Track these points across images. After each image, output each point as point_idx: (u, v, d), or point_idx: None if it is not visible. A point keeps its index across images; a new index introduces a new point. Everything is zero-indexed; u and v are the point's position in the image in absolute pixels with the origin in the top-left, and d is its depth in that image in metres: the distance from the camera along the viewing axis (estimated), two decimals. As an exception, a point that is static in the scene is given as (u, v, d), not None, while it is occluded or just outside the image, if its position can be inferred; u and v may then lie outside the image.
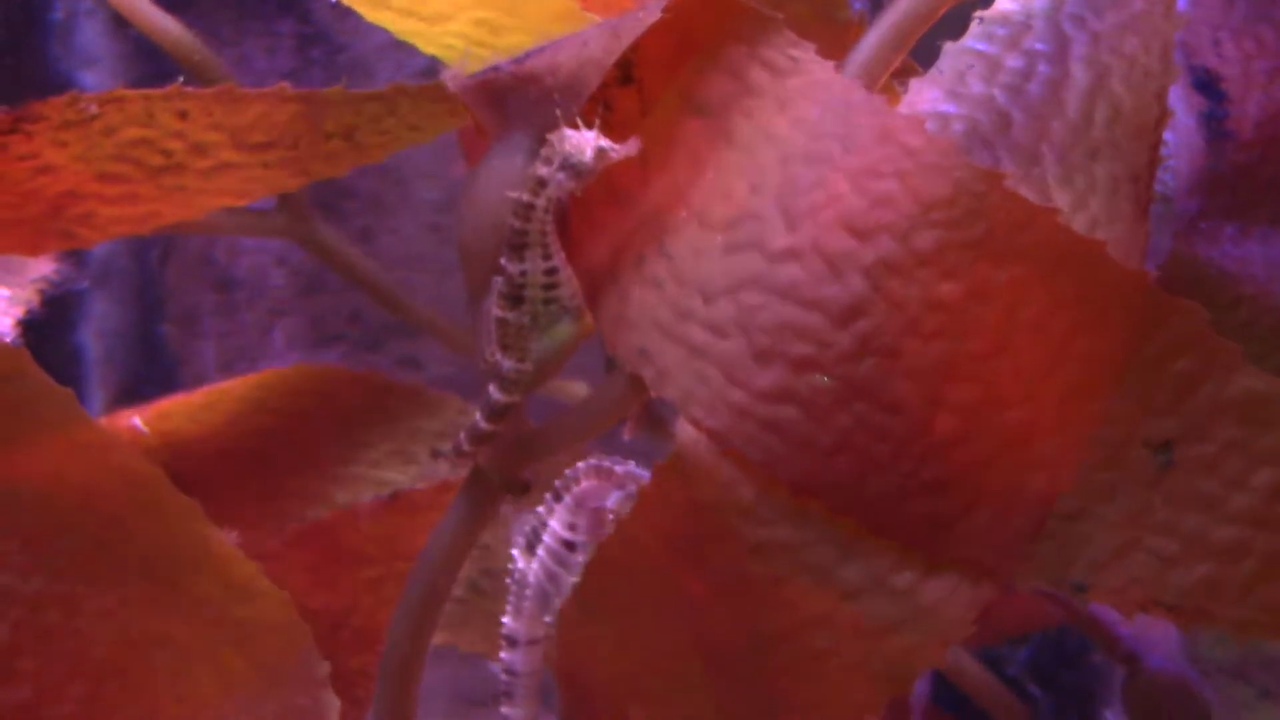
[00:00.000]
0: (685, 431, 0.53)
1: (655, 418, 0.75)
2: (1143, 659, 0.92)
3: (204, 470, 0.85)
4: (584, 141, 0.52)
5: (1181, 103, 0.84)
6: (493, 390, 0.54)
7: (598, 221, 0.55)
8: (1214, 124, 0.81)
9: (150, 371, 1.30)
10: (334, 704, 0.66)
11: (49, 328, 1.29)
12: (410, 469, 0.87)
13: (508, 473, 0.57)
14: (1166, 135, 0.82)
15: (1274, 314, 0.78)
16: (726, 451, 0.53)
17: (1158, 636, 0.94)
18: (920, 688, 0.99)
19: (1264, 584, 0.52)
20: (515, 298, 0.53)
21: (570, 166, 0.52)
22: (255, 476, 0.86)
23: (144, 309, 1.32)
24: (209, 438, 0.86)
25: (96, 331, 1.32)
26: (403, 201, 1.27)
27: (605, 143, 0.52)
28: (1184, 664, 0.93)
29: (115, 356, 1.31)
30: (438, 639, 0.87)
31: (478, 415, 0.55)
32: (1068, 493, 0.52)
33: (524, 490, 0.57)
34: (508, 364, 0.54)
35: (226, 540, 0.68)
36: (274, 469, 0.86)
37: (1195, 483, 0.52)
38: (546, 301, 0.53)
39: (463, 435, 0.56)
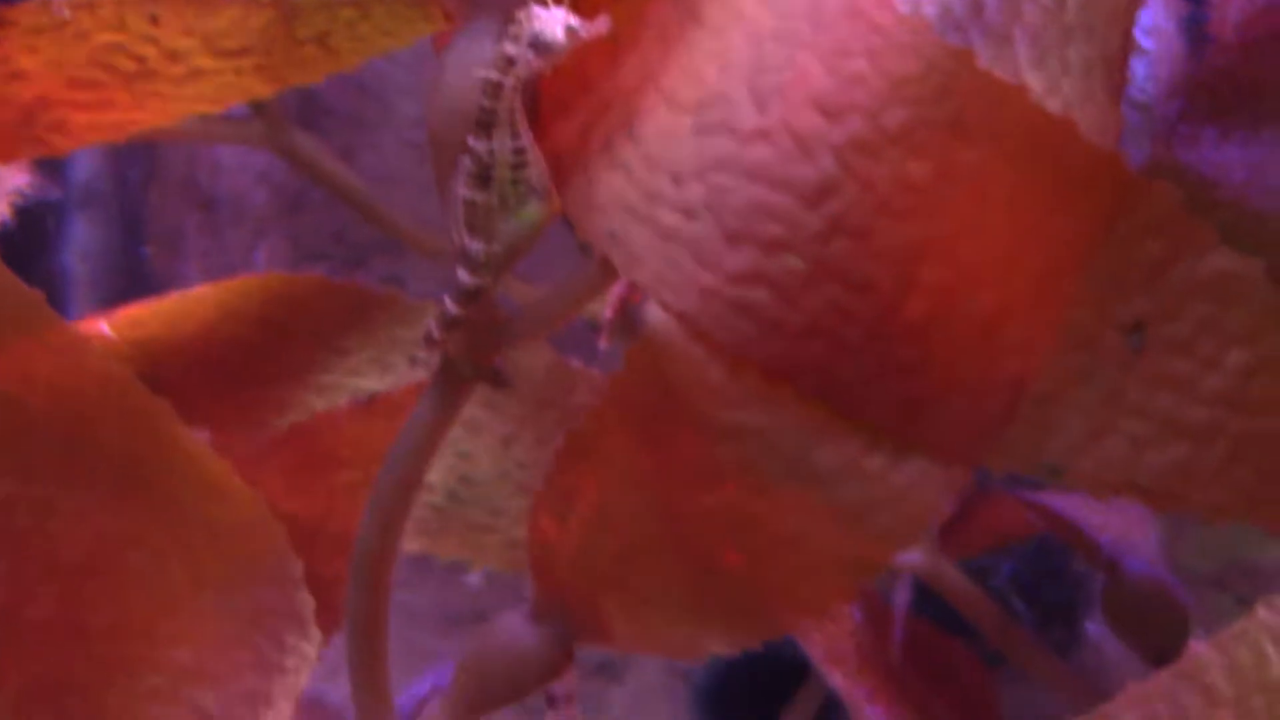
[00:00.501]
0: (655, 315, 0.53)
1: (631, 324, 0.74)
2: (1122, 565, 0.92)
3: (178, 378, 0.85)
4: (553, 20, 0.51)
5: (1163, 8, 0.84)
6: (461, 273, 0.54)
7: (565, 104, 0.55)
8: (1195, 28, 0.80)
9: (134, 292, 1.29)
10: (308, 602, 0.66)
11: (30, 249, 1.28)
12: (388, 377, 0.87)
13: (479, 361, 0.56)
14: (1147, 43, 0.81)
15: (1253, 218, 0.78)
16: (697, 335, 0.52)
17: (1137, 543, 0.94)
18: (901, 597, 0.99)
19: (1237, 465, 0.52)
20: (483, 178, 0.52)
21: (539, 44, 0.51)
22: (230, 385, 0.86)
23: (126, 230, 1.32)
24: (183, 345, 0.85)
25: (79, 253, 1.31)
26: (383, 118, 1.26)
27: (575, 21, 0.51)
28: (1163, 570, 0.93)
29: (98, 278, 1.31)
30: (415, 546, 0.87)
31: (446, 300, 0.54)
32: (1040, 376, 0.52)
33: (496, 378, 0.57)
34: (475, 246, 0.53)
35: (198, 440, 0.68)
36: (250, 377, 0.86)
37: (1168, 364, 0.52)
38: (514, 182, 0.53)
39: (432, 322, 0.55)
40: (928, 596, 1.00)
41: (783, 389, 0.52)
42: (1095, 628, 1.21)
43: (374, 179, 1.23)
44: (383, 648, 0.60)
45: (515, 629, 0.57)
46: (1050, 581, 1.27)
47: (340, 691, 1.38)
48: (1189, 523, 1.15)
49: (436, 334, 0.55)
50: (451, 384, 0.58)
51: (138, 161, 1.31)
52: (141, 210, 1.32)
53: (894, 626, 0.98)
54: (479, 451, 0.84)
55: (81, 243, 1.31)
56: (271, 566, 0.66)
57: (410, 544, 0.86)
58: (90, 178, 1.31)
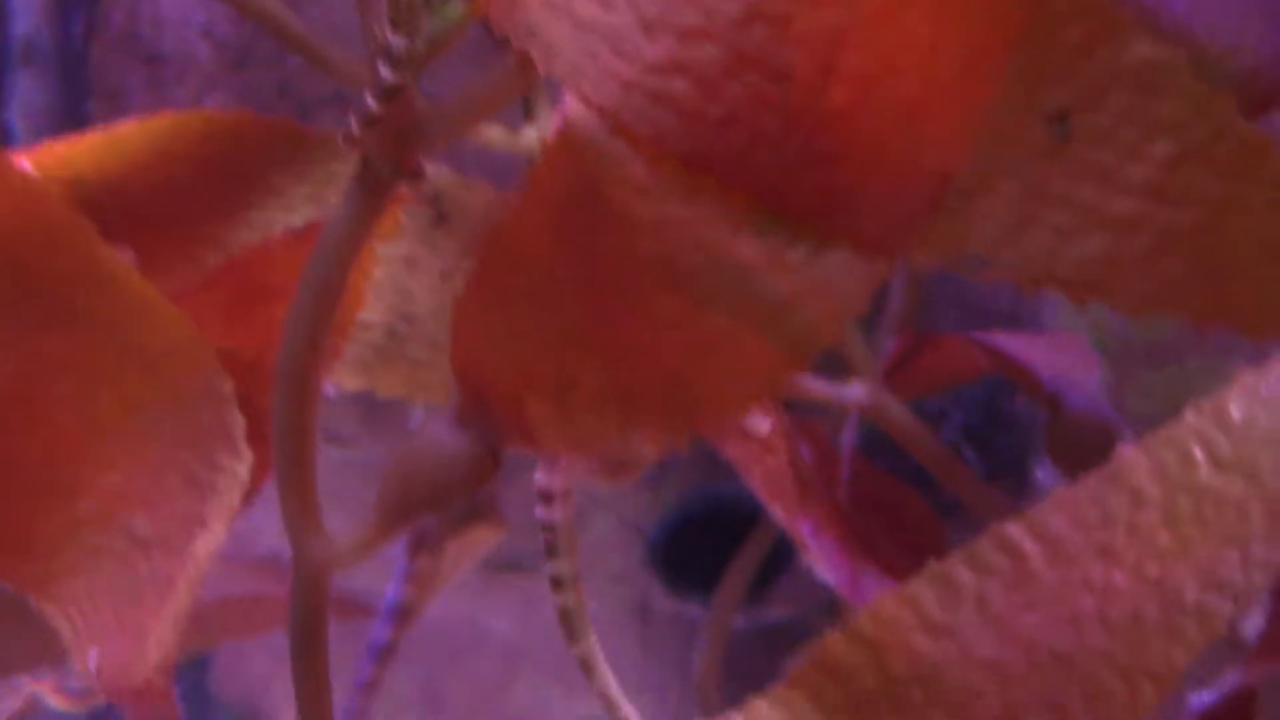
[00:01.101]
0: (574, 109, 0.52)
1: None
2: (1065, 402, 0.92)
3: (108, 217, 0.83)
4: None
5: None
6: (382, 69, 0.53)
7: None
8: None
9: (77, 151, 1.28)
10: (239, 422, 0.66)
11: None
12: (325, 214, 0.86)
13: (398, 161, 0.55)
14: None
15: (1193, 50, 0.77)
16: (616, 128, 0.52)
17: (1080, 381, 0.95)
18: (848, 437, 0.99)
19: (1161, 257, 0.52)
20: None
21: None
22: (163, 224, 0.85)
23: (70, 86, 1.30)
24: (113, 184, 0.84)
25: (22, 111, 1.30)
26: (326, -31, 1.24)
27: None
28: (1106, 408, 0.93)
29: (43, 134, 1.29)
30: (355, 384, 0.86)
31: (366, 97, 0.53)
32: (964, 166, 0.51)
33: (416, 177, 0.56)
34: (397, 42, 0.52)
35: (122, 260, 0.67)
36: (182, 216, 0.85)
37: (1091, 154, 0.51)
38: None
39: (352, 119, 0.54)
40: (880, 450, 1.00)
41: (704, 181, 0.52)
42: (1045, 475, 1.22)
43: (321, 32, 1.22)
44: (310, 460, 0.60)
45: (439, 433, 0.56)
46: (1001, 432, 1.27)
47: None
48: (1135, 366, 1.15)
49: (356, 131, 0.54)
50: (370, 185, 0.57)
51: (79, 17, 1.29)
52: (84, 66, 1.30)
53: (840, 467, 0.98)
54: (417, 288, 0.84)
55: (23, 100, 1.29)
56: (200, 386, 0.65)
57: (350, 382, 0.86)
58: (31, 33, 1.28)
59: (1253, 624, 0.74)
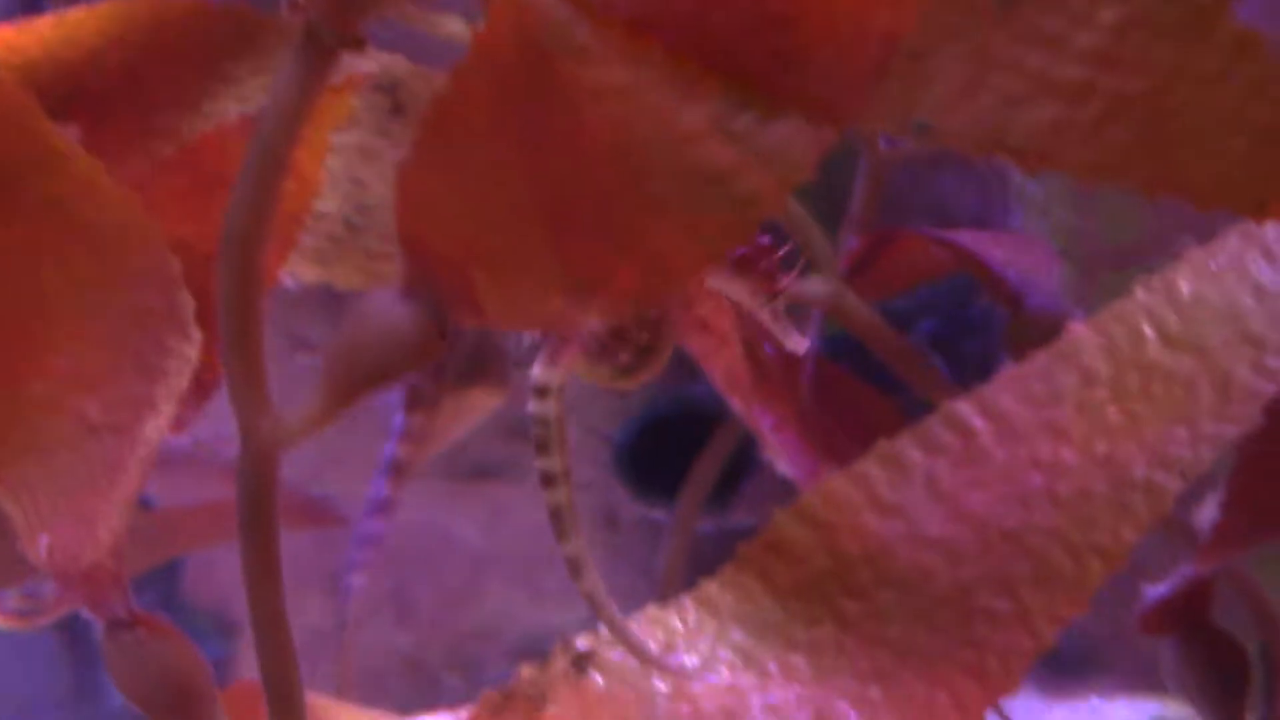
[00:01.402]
0: (518, -29, 0.51)
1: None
2: (1026, 300, 0.92)
3: (63, 105, 0.82)
4: None
5: None
6: None
7: None
8: None
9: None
10: (188, 303, 0.65)
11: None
12: (281, 103, 0.85)
13: (341, 26, 0.55)
14: None
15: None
16: (561, -10, 0.51)
17: (1041, 280, 0.95)
18: (811, 336, 0.99)
19: (1109, 125, 0.51)
20: None
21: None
22: (115, 113, 0.84)
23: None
24: (67, 71, 0.82)
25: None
26: None
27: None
28: (1067, 306, 0.93)
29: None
30: (312, 276, 0.86)
31: (305, -40, 0.53)
32: (913, 30, 0.51)
33: (359, 46, 0.55)
34: None
35: (67, 138, 0.66)
36: (135, 105, 0.83)
37: (1040, 20, 0.51)
38: None
39: None
40: (846, 354, 1.00)
41: (650, 44, 0.51)
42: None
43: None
44: (256, 339, 0.59)
45: (385, 305, 0.56)
46: (968, 337, 1.27)
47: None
48: (1098, 268, 1.15)
49: (298, -2, 0.54)
50: (313, 54, 0.56)
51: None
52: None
53: (803, 365, 0.98)
54: (373, 178, 0.83)
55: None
56: (147, 266, 0.65)
57: (308, 274, 0.85)
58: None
59: (1206, 515, 0.74)
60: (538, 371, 0.56)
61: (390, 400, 1.43)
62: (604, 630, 0.61)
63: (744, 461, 1.19)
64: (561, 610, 1.39)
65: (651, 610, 0.62)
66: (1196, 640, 0.81)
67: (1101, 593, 0.83)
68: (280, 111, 0.56)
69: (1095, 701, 1.32)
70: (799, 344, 0.55)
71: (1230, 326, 0.57)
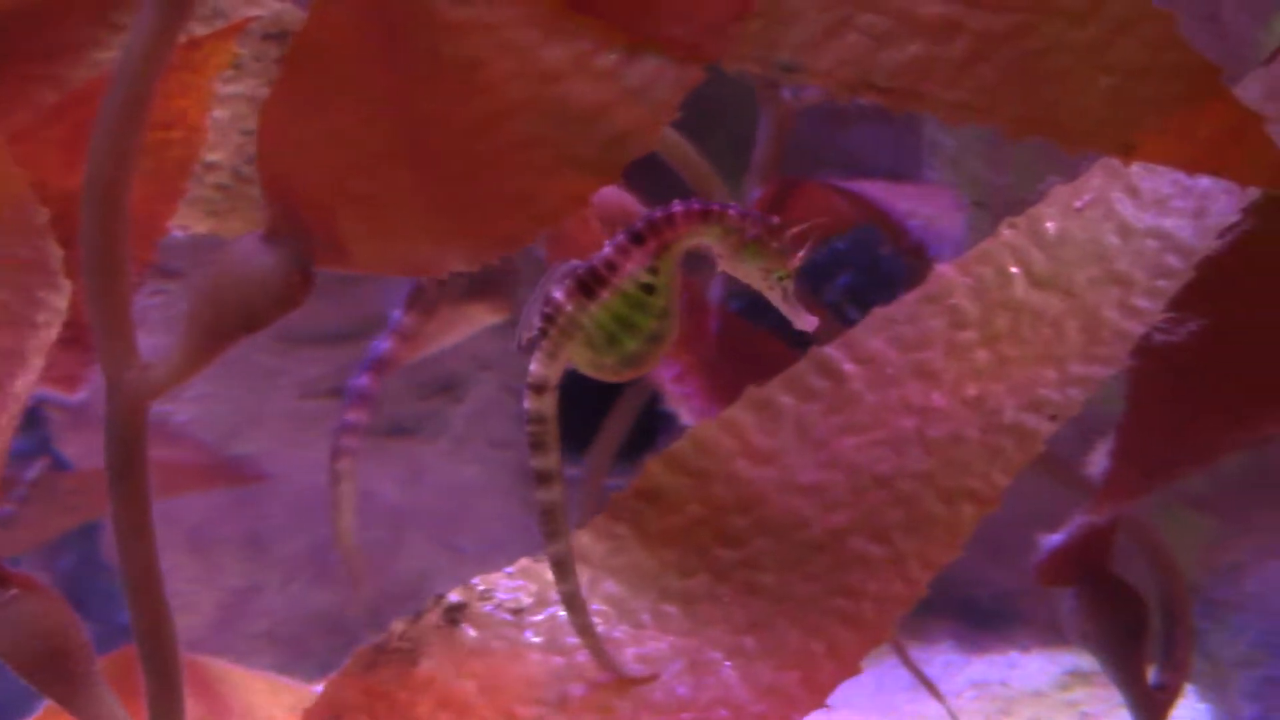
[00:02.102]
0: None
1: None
2: (929, 250, 0.92)
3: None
4: None
5: None
6: None
7: None
8: None
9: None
10: (56, 253, 0.64)
11: None
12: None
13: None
14: None
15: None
16: (418, -74, 0.50)
17: (945, 230, 0.94)
18: (716, 290, 0.98)
19: (977, 63, 0.51)
20: None
21: None
22: (7, 59, 0.82)
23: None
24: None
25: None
26: None
27: None
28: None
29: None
30: (202, 227, 0.84)
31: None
32: (774, -32, 0.50)
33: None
34: None
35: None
36: (21, 54, 0.82)
37: (905, -44, 0.50)
38: None
39: None
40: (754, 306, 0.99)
41: (508, -18, 0.50)
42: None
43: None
44: (123, 287, 0.58)
45: (249, 250, 0.55)
46: (884, 292, 1.27)
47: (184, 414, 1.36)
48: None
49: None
50: (170, -9, 0.54)
51: None
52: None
53: (709, 318, 0.98)
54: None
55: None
56: (13, 219, 0.63)
57: (198, 225, 0.84)
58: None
59: (1097, 464, 0.74)
60: (535, 368, 0.55)
61: (307, 360, 1.42)
62: (478, 584, 0.61)
63: (658, 417, 1.18)
64: (481, 567, 1.39)
65: (524, 562, 0.62)
66: (1095, 591, 0.81)
67: (1016, 547, 0.83)
68: (141, 47, 0.55)
69: (1013, 655, 1.33)
70: (809, 323, 0.54)
71: (1096, 265, 0.56)
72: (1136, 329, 0.56)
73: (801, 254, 0.54)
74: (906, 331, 0.57)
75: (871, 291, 1.26)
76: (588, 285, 0.54)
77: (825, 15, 0.50)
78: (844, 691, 0.55)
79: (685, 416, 0.88)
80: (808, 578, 0.57)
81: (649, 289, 0.54)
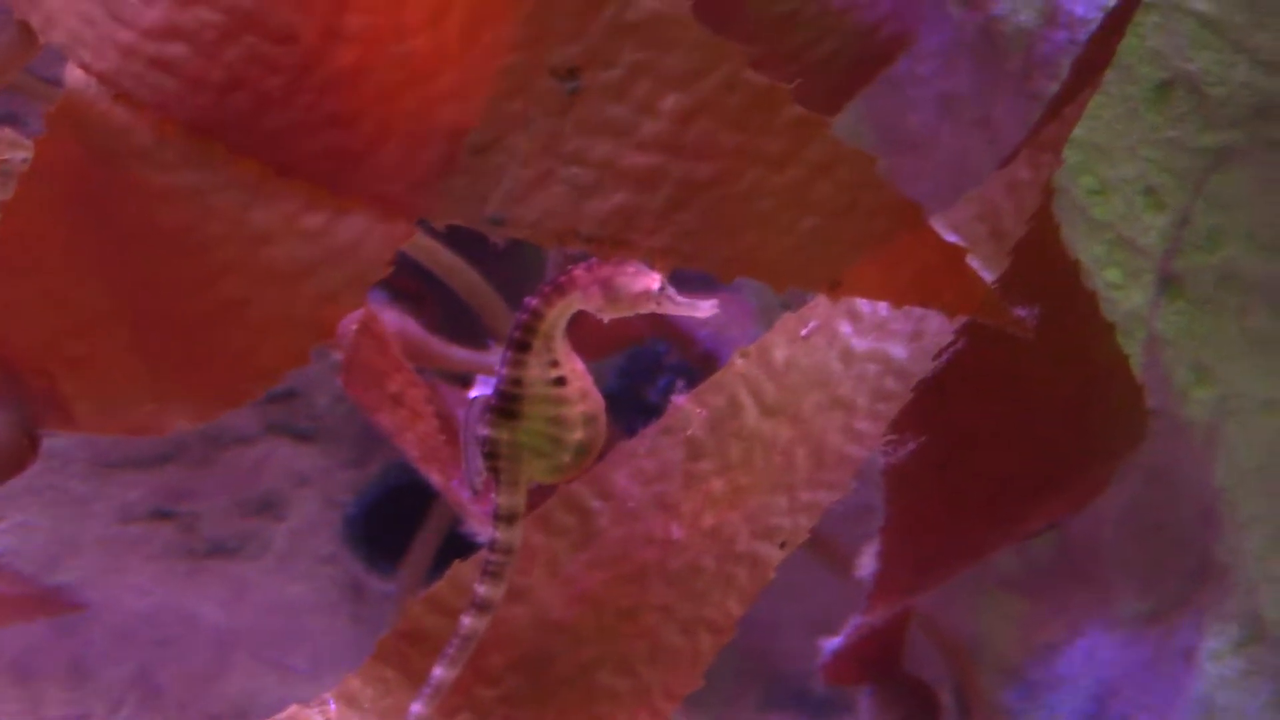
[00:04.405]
0: (74, 77, 0.51)
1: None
2: (719, 358, 0.93)
3: None
4: None
5: None
6: None
7: None
8: None
9: None
10: None
11: None
12: None
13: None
14: None
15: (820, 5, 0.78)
16: (118, 96, 0.50)
17: (735, 336, 0.96)
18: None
19: (679, 211, 0.52)
20: None
21: None
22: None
23: None
24: None
25: None
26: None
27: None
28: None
29: None
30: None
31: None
32: (478, 125, 0.51)
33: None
34: None
35: None
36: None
37: (604, 109, 0.51)
38: None
39: None
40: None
41: (213, 147, 0.51)
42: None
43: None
44: None
45: (-29, 417, 0.54)
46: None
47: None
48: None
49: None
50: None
51: None
52: None
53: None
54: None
55: None
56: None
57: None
58: None
59: (866, 566, 0.75)
60: (502, 500, 0.55)
61: (125, 483, 1.40)
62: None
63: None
64: (311, 686, 1.37)
65: (294, 709, 0.61)
66: (886, 687, 0.82)
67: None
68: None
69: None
70: (708, 309, 0.55)
71: (821, 391, 0.58)
72: (860, 453, 0.57)
73: (659, 267, 0.55)
74: (647, 465, 0.58)
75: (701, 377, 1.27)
76: (507, 409, 0.55)
77: (529, 169, 0.51)
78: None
79: (486, 536, 0.89)
80: (560, 713, 0.58)
81: (560, 381, 0.55)
